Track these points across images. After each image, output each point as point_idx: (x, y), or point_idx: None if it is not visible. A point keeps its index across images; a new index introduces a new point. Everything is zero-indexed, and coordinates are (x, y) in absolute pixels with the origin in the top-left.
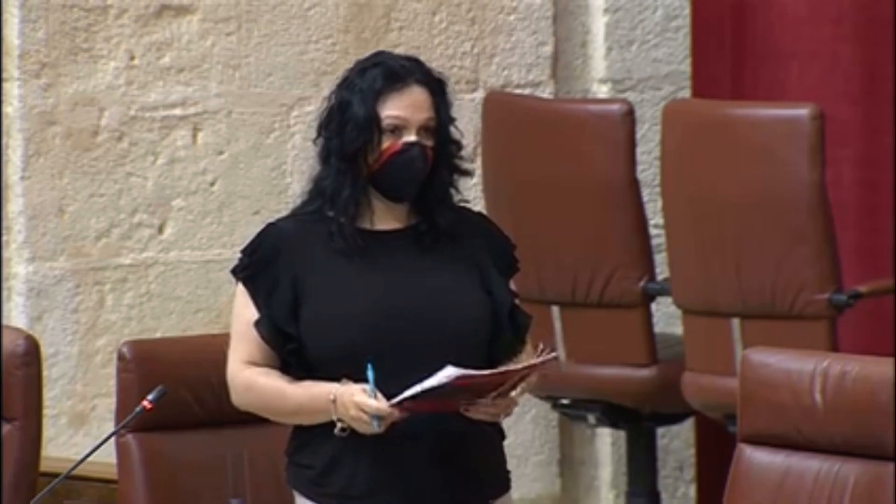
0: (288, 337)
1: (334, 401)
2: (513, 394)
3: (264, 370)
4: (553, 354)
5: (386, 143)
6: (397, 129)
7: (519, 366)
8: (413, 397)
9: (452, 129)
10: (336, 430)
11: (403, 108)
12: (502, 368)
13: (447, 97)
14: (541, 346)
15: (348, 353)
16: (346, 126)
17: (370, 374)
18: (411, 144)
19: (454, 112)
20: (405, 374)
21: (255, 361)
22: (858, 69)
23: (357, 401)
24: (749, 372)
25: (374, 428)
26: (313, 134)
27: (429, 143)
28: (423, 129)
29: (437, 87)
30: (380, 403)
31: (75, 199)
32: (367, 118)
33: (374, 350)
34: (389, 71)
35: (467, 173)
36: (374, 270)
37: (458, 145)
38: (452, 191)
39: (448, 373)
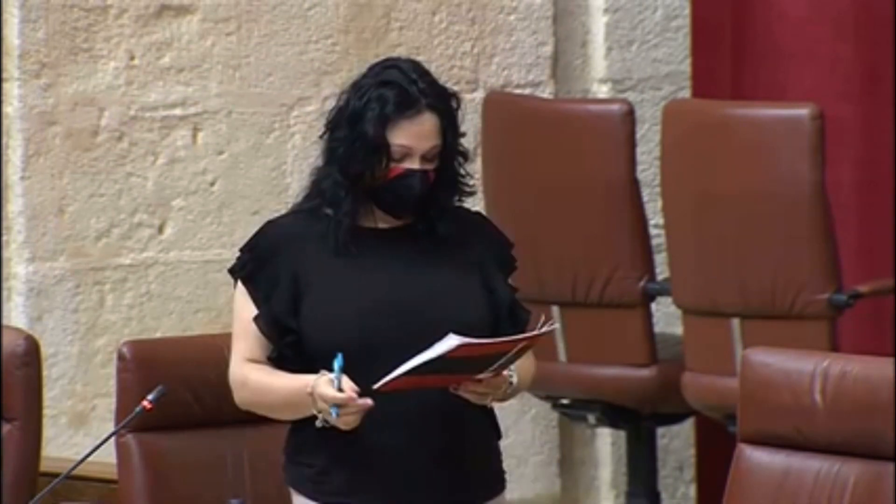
0: (288, 331)
1: (310, 393)
2: (505, 373)
3: (258, 366)
4: (554, 326)
5: (390, 166)
6: (403, 157)
7: (520, 336)
8: (410, 372)
9: (458, 155)
10: (317, 423)
11: (411, 138)
12: (503, 338)
13: (456, 119)
14: (542, 318)
15: (347, 351)
16: (353, 144)
17: (336, 364)
18: (412, 171)
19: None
20: None
21: (256, 358)
22: (858, 69)
23: (319, 392)
24: (749, 372)
25: (333, 417)
26: (313, 134)
27: (431, 166)
28: (427, 157)
29: (447, 111)
30: (336, 394)
31: (75, 199)
32: (376, 143)
33: (373, 347)
34: (403, 95)
35: (470, 193)
36: (374, 268)
37: (465, 156)
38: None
39: (451, 342)
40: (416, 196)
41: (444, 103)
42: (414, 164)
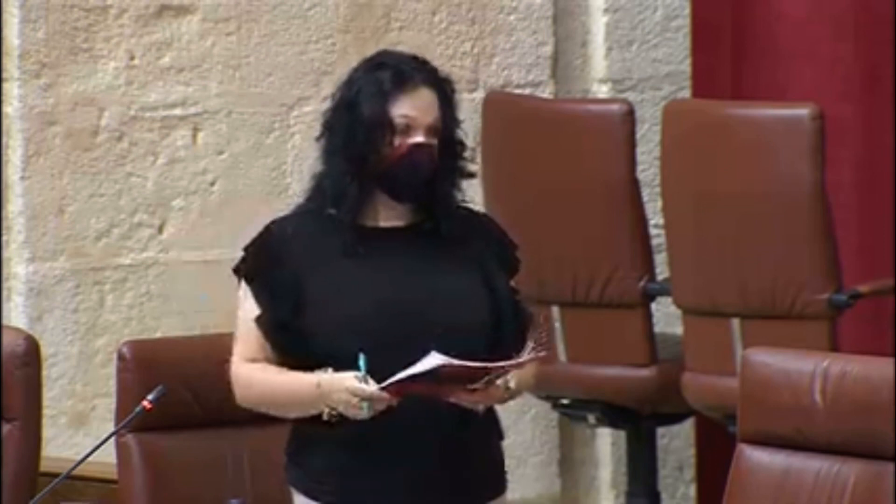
0: (290, 332)
1: (319, 385)
2: (498, 382)
3: (261, 366)
4: (541, 354)
5: (395, 142)
6: (407, 129)
7: (501, 363)
8: (400, 382)
9: (458, 131)
10: (325, 416)
11: (413, 109)
12: (485, 364)
13: (453, 98)
14: (530, 343)
15: (350, 351)
16: (355, 127)
17: (362, 361)
18: (419, 146)
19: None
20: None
21: (257, 358)
22: (858, 69)
23: (349, 386)
24: (749, 372)
25: (365, 412)
26: (313, 134)
27: (434, 142)
28: (430, 130)
29: (443, 89)
30: (371, 388)
31: (75, 199)
32: (377, 118)
33: (376, 348)
34: (398, 72)
35: (471, 175)
36: (377, 269)
37: (463, 146)
38: (456, 192)
39: (432, 360)
40: (424, 173)
41: (439, 82)
42: (419, 138)
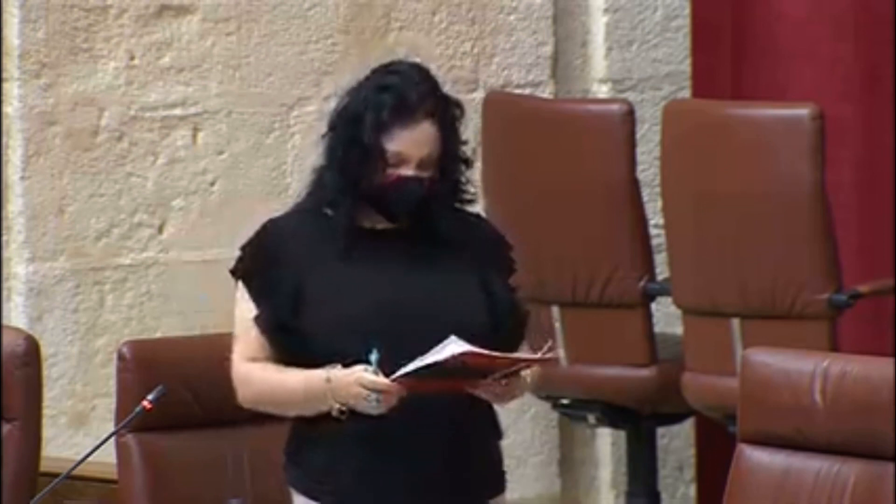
0: (288, 332)
1: (329, 380)
2: (523, 373)
3: (262, 364)
4: (559, 354)
5: (386, 171)
6: (398, 163)
7: (523, 356)
8: (416, 372)
9: (460, 154)
10: (334, 412)
11: (407, 145)
12: (506, 355)
13: (457, 126)
14: (548, 344)
15: (349, 352)
16: (351, 147)
17: (374, 356)
18: (407, 178)
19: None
20: None
21: (257, 357)
22: (858, 69)
23: (358, 377)
24: (749, 372)
25: (374, 405)
26: (313, 134)
27: (428, 173)
28: (423, 163)
29: (445, 117)
30: (381, 379)
31: (75, 199)
32: (371, 149)
33: (374, 349)
34: (401, 102)
35: (470, 202)
36: (374, 270)
37: (468, 163)
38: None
39: (452, 347)
40: (410, 203)
41: (443, 111)
42: (409, 171)
